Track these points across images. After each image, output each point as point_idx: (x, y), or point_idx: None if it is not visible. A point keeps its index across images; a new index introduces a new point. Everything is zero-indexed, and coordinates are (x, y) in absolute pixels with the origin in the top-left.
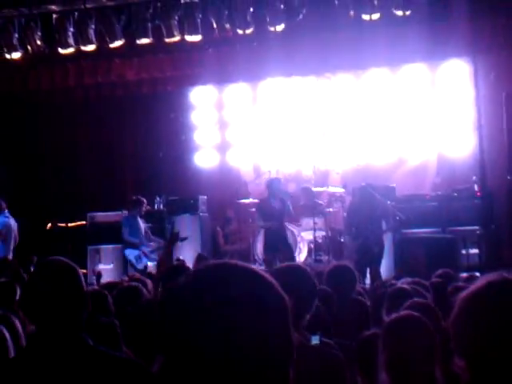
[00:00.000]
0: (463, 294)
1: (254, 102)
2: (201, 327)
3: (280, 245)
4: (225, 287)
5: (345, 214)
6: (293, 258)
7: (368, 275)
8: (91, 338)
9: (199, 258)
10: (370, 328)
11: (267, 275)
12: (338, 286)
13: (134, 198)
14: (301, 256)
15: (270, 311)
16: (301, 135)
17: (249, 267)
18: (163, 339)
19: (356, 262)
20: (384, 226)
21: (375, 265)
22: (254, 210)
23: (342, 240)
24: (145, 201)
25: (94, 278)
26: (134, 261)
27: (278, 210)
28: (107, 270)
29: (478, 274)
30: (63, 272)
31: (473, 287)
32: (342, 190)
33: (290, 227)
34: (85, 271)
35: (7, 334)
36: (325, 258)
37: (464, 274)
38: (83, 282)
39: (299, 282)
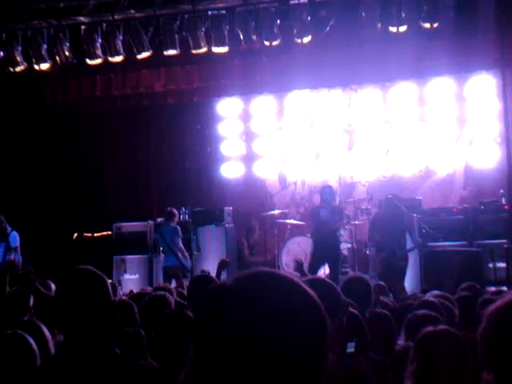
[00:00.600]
0: (491, 307)
1: (280, 113)
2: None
3: (326, 255)
4: (262, 295)
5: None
6: (336, 269)
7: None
8: (117, 348)
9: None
10: (396, 341)
11: (306, 287)
12: (352, 298)
13: (169, 209)
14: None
15: (305, 321)
16: (327, 147)
17: (289, 277)
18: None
19: (380, 274)
20: (409, 242)
21: (399, 279)
22: (280, 220)
23: (368, 252)
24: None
25: (120, 288)
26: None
27: (323, 219)
28: (132, 280)
29: (505, 288)
30: (91, 281)
31: (501, 301)
32: (368, 202)
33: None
34: (110, 281)
35: (33, 343)
36: (350, 270)
37: (491, 288)
38: (111, 291)
39: (322, 296)
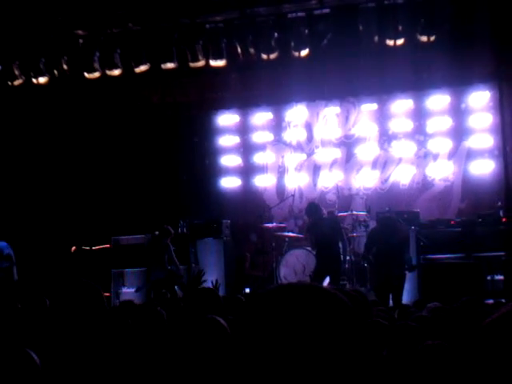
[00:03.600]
0: (487, 320)
1: (278, 126)
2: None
3: (328, 268)
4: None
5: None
6: (336, 282)
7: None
8: None
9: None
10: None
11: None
12: None
13: (165, 226)
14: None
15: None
16: (325, 159)
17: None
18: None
19: (376, 289)
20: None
21: (395, 297)
22: (278, 233)
23: (366, 265)
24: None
25: (118, 301)
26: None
27: (322, 234)
28: (130, 293)
29: (503, 300)
30: (86, 292)
31: (497, 314)
32: (366, 214)
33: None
34: (108, 294)
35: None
36: (347, 283)
37: (490, 301)
38: (105, 303)
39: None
